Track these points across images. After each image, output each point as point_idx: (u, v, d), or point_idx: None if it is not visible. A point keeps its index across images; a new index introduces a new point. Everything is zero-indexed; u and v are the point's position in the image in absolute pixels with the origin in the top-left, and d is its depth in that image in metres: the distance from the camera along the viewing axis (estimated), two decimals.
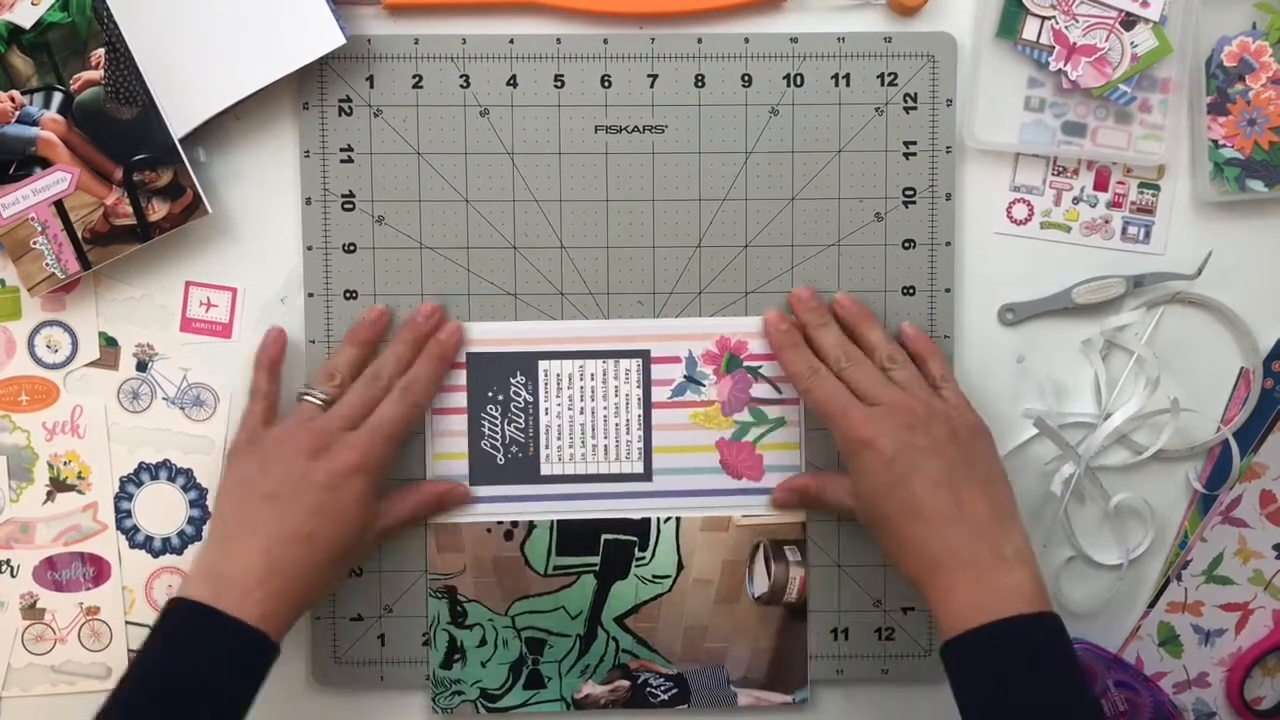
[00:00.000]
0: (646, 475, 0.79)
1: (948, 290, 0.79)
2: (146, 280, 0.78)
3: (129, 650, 0.80)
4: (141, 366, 0.79)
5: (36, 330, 0.78)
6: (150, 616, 0.80)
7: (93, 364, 0.79)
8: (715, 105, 0.78)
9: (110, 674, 0.79)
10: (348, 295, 0.78)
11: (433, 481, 0.77)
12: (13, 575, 0.79)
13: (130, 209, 0.74)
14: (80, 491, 0.79)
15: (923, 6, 0.77)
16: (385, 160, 0.78)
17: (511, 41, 0.78)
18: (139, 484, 0.79)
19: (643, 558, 0.79)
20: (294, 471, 0.70)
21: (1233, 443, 0.80)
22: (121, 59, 0.72)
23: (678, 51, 0.78)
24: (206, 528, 0.73)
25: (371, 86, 0.78)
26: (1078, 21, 0.77)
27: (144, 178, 0.75)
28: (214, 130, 0.77)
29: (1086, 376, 0.80)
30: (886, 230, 0.79)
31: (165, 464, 0.79)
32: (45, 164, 0.74)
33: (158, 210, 0.75)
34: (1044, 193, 0.80)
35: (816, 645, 0.80)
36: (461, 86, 0.78)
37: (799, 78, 0.78)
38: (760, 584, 0.79)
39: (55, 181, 0.74)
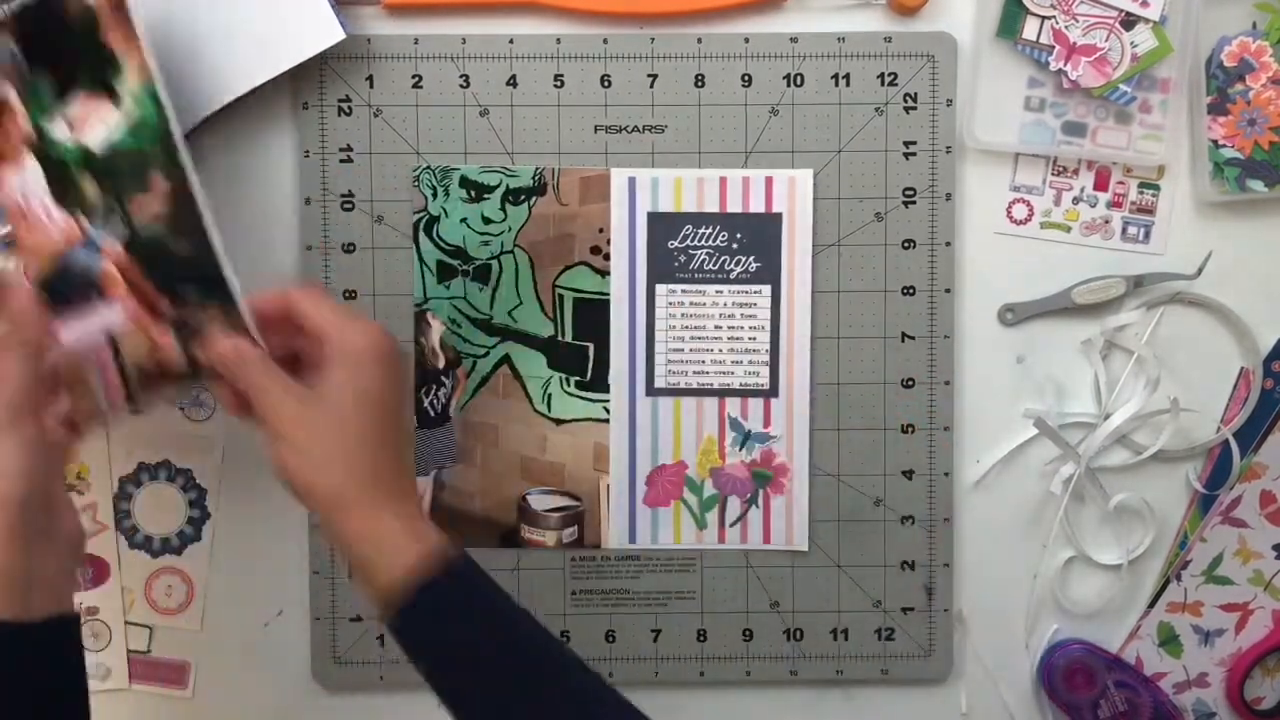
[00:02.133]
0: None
1: (948, 290, 0.79)
2: None
3: (128, 650, 0.80)
4: None
5: None
6: (149, 617, 0.80)
7: None
8: (715, 105, 0.78)
9: (109, 674, 0.79)
10: (347, 295, 0.78)
11: None
12: None
13: (177, 347, 0.70)
14: (79, 492, 0.79)
15: (923, 6, 0.77)
16: (385, 160, 0.78)
17: (511, 41, 0.78)
18: (138, 484, 0.79)
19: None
20: None
21: (1233, 443, 0.80)
22: (183, 191, 0.68)
23: (678, 51, 0.78)
24: None
25: (371, 86, 0.78)
26: (1078, 21, 0.77)
27: (197, 314, 0.70)
28: (214, 129, 0.77)
29: (1086, 376, 0.80)
30: (886, 230, 0.79)
31: (164, 464, 0.79)
32: (103, 293, 0.70)
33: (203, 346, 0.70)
34: (1044, 193, 0.80)
35: (816, 645, 0.80)
36: (461, 86, 0.78)
37: (799, 78, 0.78)
38: None
39: (110, 313, 0.70)
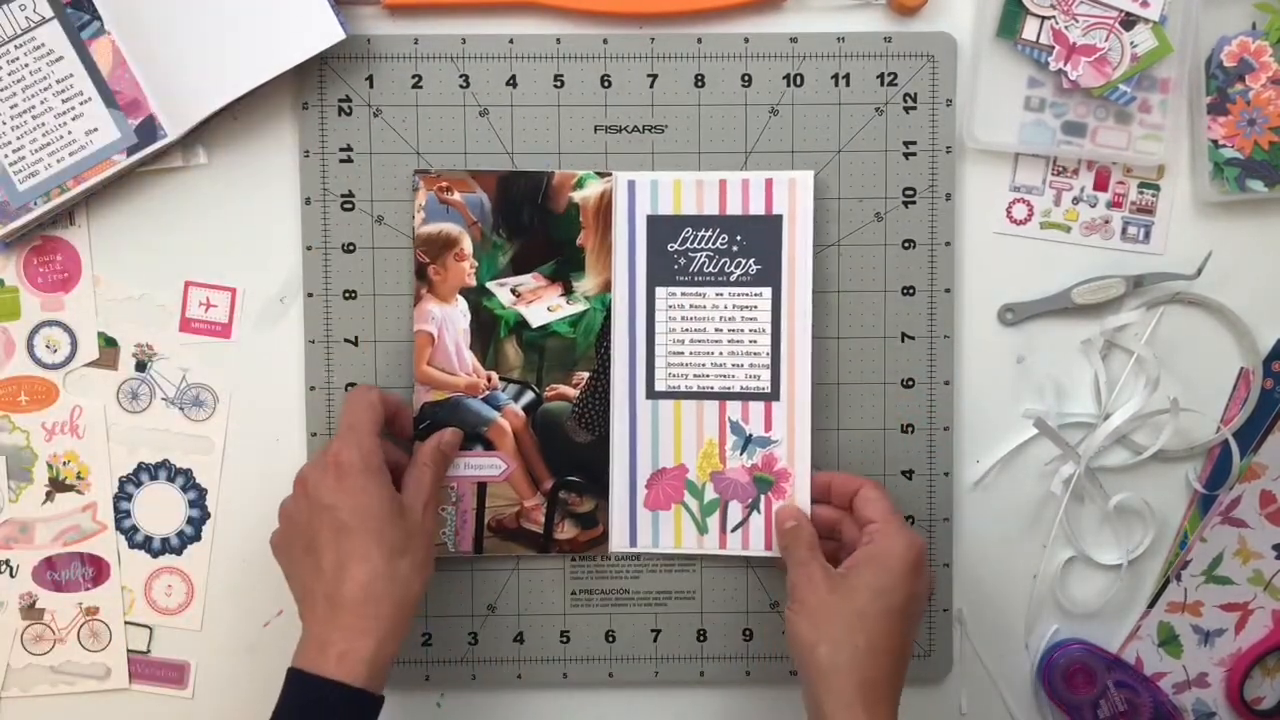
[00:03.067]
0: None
1: (948, 290, 0.79)
2: (146, 280, 0.78)
3: (128, 650, 0.80)
4: (141, 367, 0.79)
5: (36, 330, 0.78)
6: (149, 617, 0.80)
7: (92, 364, 0.79)
8: (715, 105, 0.78)
9: (109, 674, 0.79)
10: (347, 295, 0.78)
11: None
12: (12, 575, 0.79)
13: (543, 519, 0.78)
14: (79, 492, 0.79)
15: (923, 6, 0.77)
16: (385, 160, 0.78)
17: (511, 41, 0.78)
18: (138, 484, 0.79)
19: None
20: None
21: (1232, 443, 0.80)
22: (598, 391, 0.76)
23: (678, 51, 0.78)
24: None
25: (371, 86, 0.78)
26: (1078, 21, 0.77)
27: (568, 499, 0.78)
28: (214, 130, 0.77)
29: (1086, 376, 0.80)
30: (886, 230, 0.79)
31: (164, 464, 0.79)
32: (488, 446, 0.77)
33: (566, 531, 0.78)
34: (1044, 193, 0.80)
35: None
36: (461, 86, 0.78)
37: (799, 78, 0.78)
38: None
39: (491, 465, 0.78)
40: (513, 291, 0.77)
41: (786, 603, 0.72)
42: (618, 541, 0.79)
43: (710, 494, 0.78)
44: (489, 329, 0.77)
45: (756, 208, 0.77)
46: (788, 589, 0.73)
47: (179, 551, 0.80)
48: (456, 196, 0.77)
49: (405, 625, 0.69)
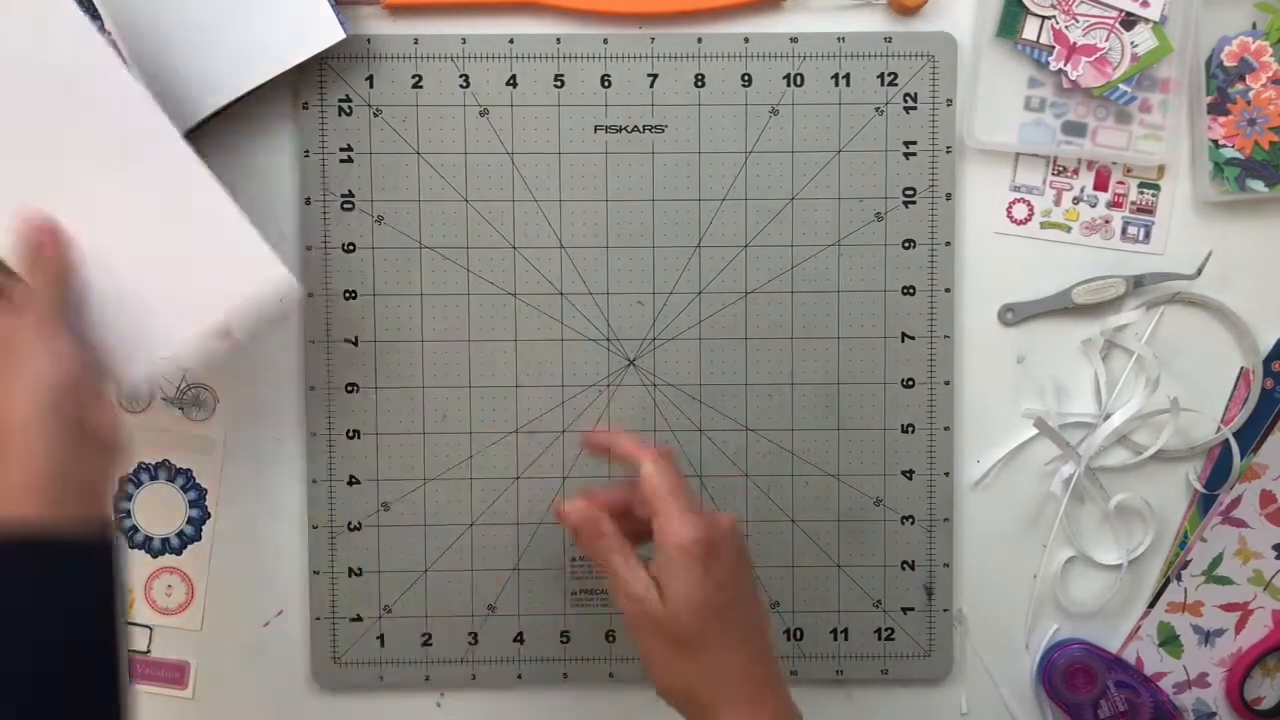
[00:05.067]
0: None
1: (948, 290, 0.79)
2: None
3: (128, 650, 0.79)
4: None
5: None
6: (149, 617, 0.80)
7: None
8: (715, 105, 0.78)
9: None
10: (347, 295, 0.78)
11: None
12: None
13: None
14: None
15: (923, 6, 0.77)
16: (385, 160, 0.78)
17: (511, 41, 0.78)
18: (138, 484, 0.79)
19: None
20: None
21: (1233, 443, 0.80)
22: None
23: (678, 51, 0.78)
24: None
25: (371, 86, 0.78)
26: (1078, 21, 0.77)
27: None
28: (214, 130, 0.77)
29: (1086, 376, 0.80)
30: (886, 230, 0.79)
31: (164, 464, 0.79)
32: None
33: None
34: (1044, 193, 0.80)
35: (816, 645, 0.80)
36: (461, 86, 0.78)
37: (799, 78, 0.78)
38: None
39: None
40: None
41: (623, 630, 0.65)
42: None
43: None
44: None
45: None
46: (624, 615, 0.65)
47: (179, 551, 0.80)
48: None
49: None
